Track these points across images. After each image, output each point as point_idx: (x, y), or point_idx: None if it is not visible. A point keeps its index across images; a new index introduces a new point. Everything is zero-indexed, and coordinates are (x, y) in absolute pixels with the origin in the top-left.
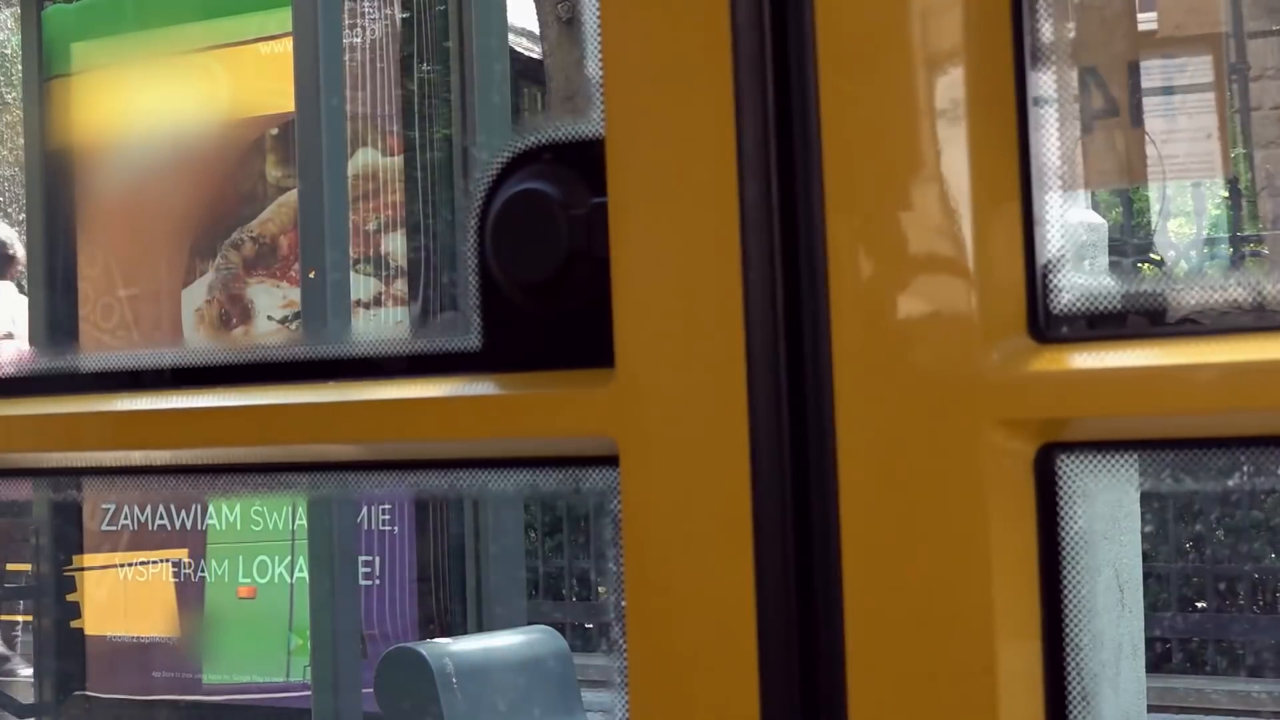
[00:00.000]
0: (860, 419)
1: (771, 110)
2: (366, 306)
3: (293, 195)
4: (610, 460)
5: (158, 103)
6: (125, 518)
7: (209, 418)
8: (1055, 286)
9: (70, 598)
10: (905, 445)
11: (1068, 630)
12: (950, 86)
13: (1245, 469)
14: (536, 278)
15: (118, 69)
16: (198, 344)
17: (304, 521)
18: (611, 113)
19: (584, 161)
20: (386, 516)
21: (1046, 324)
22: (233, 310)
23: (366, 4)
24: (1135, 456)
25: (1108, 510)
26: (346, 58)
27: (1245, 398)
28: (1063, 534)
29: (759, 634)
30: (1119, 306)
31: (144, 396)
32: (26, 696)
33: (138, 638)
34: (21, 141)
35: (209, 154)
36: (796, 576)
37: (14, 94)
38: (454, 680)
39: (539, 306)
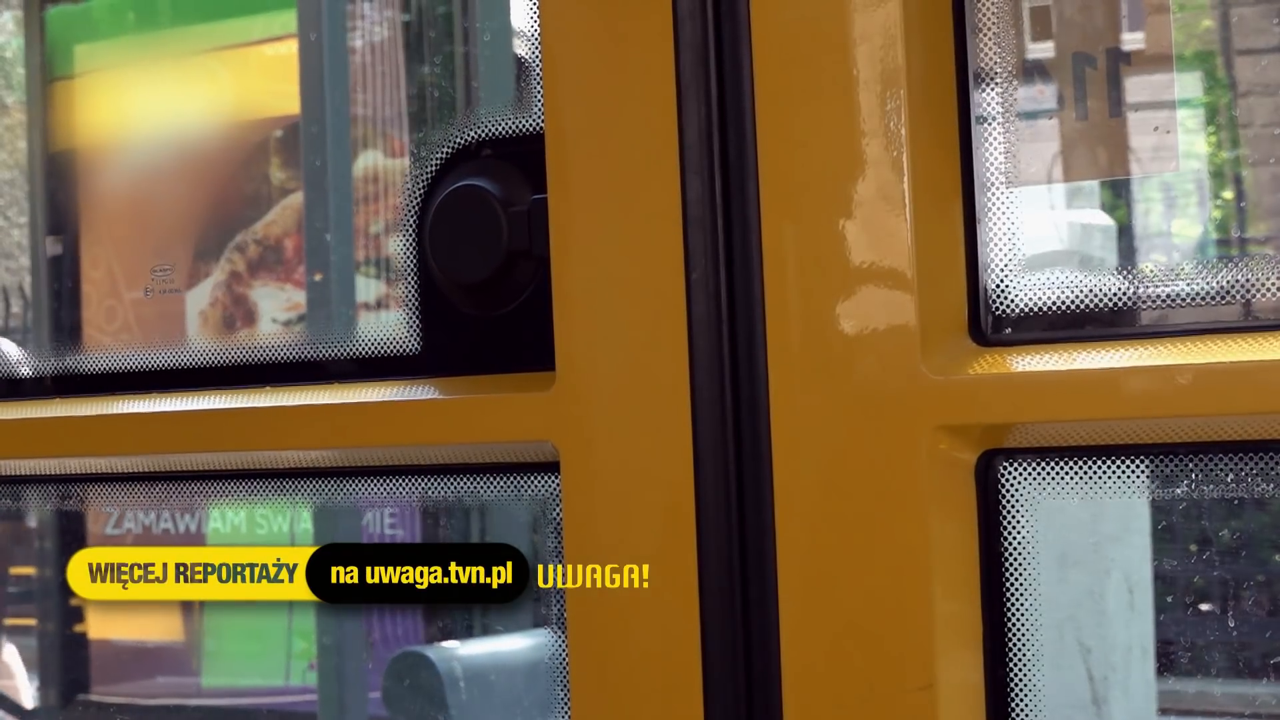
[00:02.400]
0: (796, 426)
1: (714, 103)
2: (371, 309)
3: (296, 198)
4: (552, 466)
5: (162, 105)
6: (130, 521)
7: (138, 423)
8: (998, 289)
9: (74, 602)
10: (842, 452)
11: (1011, 641)
12: (890, 90)
13: (1193, 475)
14: (476, 277)
15: (122, 71)
16: (139, 347)
17: (307, 525)
18: (551, 106)
19: (524, 157)
20: (392, 520)
21: (989, 327)
22: (237, 313)
23: (370, 6)
24: (1081, 463)
25: (1116, 512)
26: (352, 59)
27: (1193, 403)
28: (1006, 543)
29: (703, 645)
30: (1064, 309)
31: (67, 403)
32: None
33: (141, 642)
34: (20, 145)
35: (213, 156)
36: (742, 586)
37: (13, 97)
38: (462, 684)
39: (479, 307)
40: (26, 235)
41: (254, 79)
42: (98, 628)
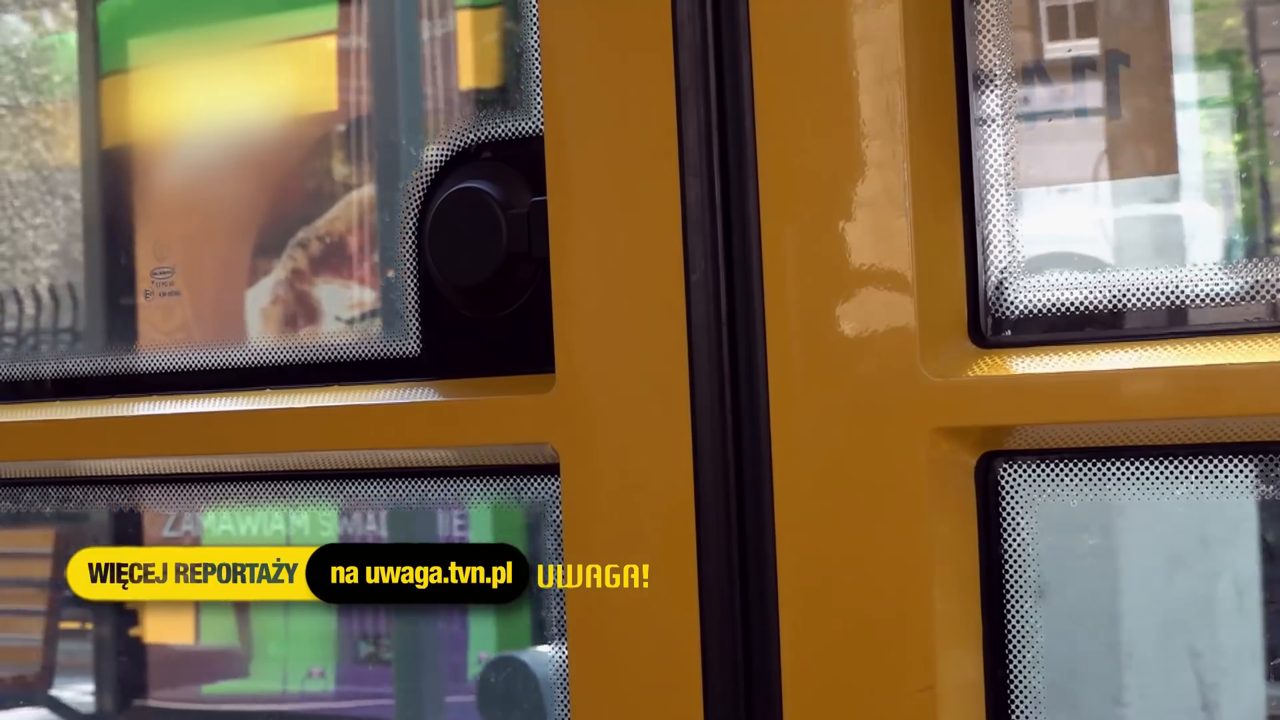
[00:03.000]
0: (795, 427)
1: (714, 104)
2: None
3: (360, 193)
4: (551, 469)
5: (218, 99)
6: (188, 524)
7: (137, 426)
8: (999, 291)
9: (129, 605)
10: (842, 454)
11: (1011, 643)
12: (889, 91)
13: (1193, 477)
14: (476, 280)
15: (177, 64)
16: (139, 347)
17: (374, 526)
18: (550, 108)
19: (524, 159)
20: (460, 521)
21: (989, 329)
22: (299, 311)
23: None
24: (1080, 465)
25: (1222, 514)
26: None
27: (1194, 405)
28: (1006, 545)
29: (703, 645)
30: (1063, 311)
31: (57, 406)
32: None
33: (198, 645)
34: (38, 144)
35: (273, 151)
36: (742, 587)
37: (29, 98)
38: (558, 690)
39: (479, 310)
40: (40, 236)
41: (315, 72)
42: (153, 632)
